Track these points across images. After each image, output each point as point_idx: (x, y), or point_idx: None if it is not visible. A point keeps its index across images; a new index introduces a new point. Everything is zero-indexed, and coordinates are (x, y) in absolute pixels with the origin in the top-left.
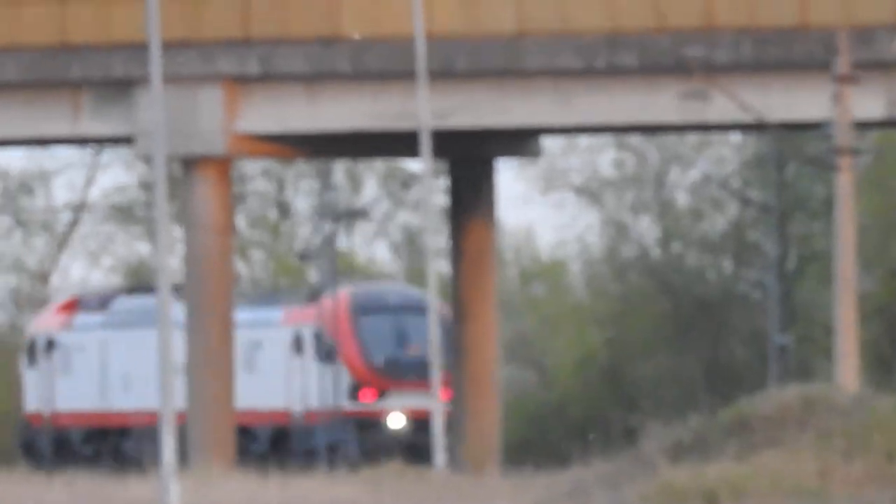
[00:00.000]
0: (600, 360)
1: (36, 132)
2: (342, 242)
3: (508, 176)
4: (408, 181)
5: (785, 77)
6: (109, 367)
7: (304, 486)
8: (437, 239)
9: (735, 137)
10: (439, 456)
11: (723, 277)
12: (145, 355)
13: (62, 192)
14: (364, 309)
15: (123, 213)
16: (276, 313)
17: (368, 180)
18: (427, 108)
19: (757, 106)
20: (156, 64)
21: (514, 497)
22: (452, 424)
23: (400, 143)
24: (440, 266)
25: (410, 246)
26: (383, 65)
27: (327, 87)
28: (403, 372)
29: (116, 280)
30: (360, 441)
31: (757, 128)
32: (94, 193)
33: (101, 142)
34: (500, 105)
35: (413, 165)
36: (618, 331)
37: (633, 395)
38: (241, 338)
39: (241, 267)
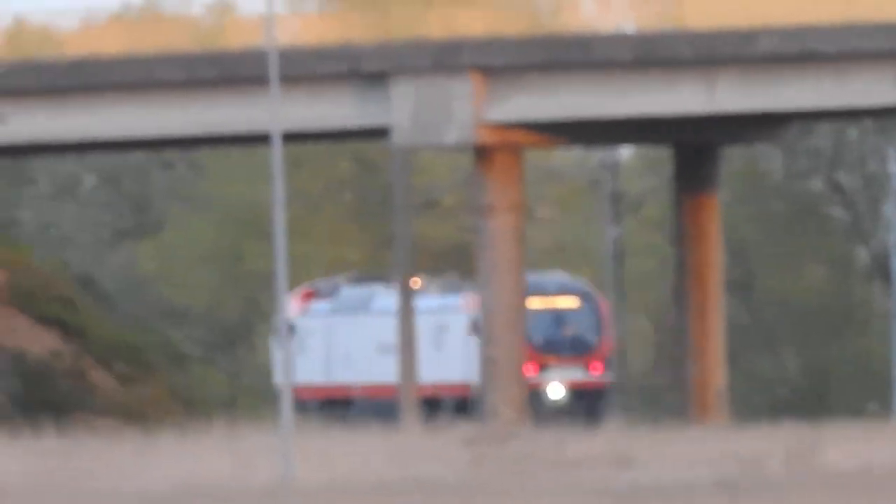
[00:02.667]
0: None
1: None
2: None
3: None
4: None
5: None
6: (335, 347)
7: None
8: None
9: None
10: None
11: None
12: (363, 336)
13: None
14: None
15: None
16: (458, 300)
17: None
18: None
19: None
20: None
21: None
22: None
23: None
24: None
25: None
26: None
27: None
28: (559, 349)
29: None
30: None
31: None
32: None
33: None
34: None
35: None
36: None
37: None
38: (429, 322)
39: None
